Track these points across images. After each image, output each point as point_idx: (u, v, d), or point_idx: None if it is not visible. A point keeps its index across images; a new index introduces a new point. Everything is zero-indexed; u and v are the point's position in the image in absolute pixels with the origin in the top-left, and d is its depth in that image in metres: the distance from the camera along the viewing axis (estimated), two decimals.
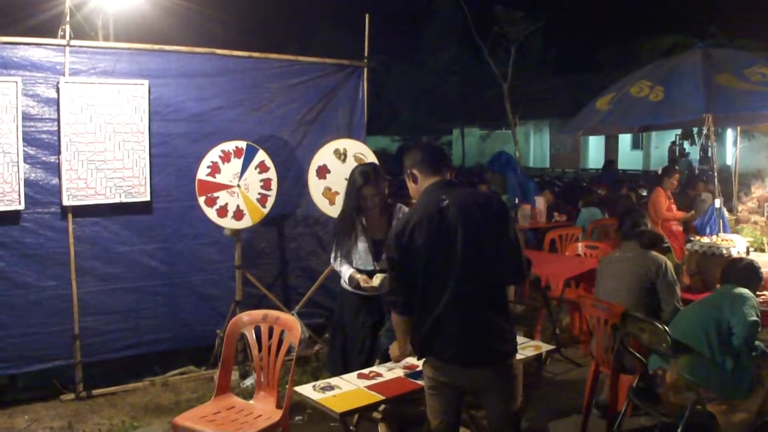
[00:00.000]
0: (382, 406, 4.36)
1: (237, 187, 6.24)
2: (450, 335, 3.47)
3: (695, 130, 16.07)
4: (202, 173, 6.12)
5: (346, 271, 5.11)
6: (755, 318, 4.34)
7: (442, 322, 3.46)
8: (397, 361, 4.35)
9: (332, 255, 5.23)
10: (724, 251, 6.58)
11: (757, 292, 5.91)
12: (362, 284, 4.96)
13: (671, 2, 26.06)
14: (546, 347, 4.86)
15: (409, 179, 3.76)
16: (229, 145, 6.25)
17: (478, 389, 3.61)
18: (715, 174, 7.98)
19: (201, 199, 6.10)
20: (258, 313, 4.77)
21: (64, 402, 5.87)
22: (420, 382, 4.13)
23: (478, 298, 3.49)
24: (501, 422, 3.60)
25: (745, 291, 4.54)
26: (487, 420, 3.70)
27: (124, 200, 6.16)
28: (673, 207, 9.56)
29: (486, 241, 3.50)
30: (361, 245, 5.10)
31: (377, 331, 5.17)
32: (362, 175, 5.04)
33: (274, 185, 6.45)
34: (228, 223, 6.23)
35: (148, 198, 6.27)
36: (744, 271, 4.76)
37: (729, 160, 19.65)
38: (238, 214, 6.25)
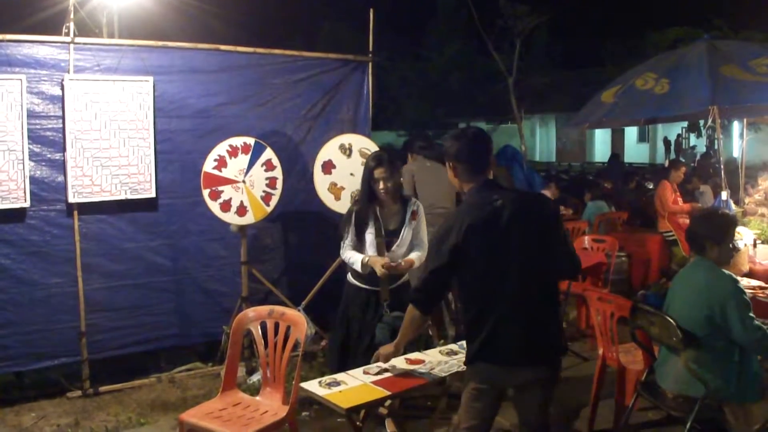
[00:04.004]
0: (389, 402, 4.35)
1: (242, 183, 6.23)
2: (512, 334, 3.47)
3: (702, 122, 16.03)
4: (209, 166, 6.10)
5: (356, 258, 5.00)
6: (757, 325, 4.01)
7: (505, 322, 3.47)
8: (386, 360, 4.20)
9: (341, 244, 5.17)
10: None
11: (753, 283, 5.91)
12: (379, 270, 4.85)
13: None
14: None
15: (450, 168, 3.71)
16: (238, 141, 6.24)
17: (526, 387, 3.61)
18: (722, 166, 7.95)
19: (205, 192, 6.09)
20: (264, 309, 4.76)
21: (71, 399, 5.89)
22: (426, 378, 4.12)
23: (538, 295, 3.52)
24: (537, 419, 3.65)
25: (727, 287, 4.07)
26: (523, 416, 3.70)
27: (130, 197, 6.16)
28: (679, 200, 9.55)
29: (541, 239, 3.53)
30: (371, 236, 5.03)
31: (373, 325, 5.04)
32: (375, 159, 5.06)
33: (279, 184, 6.44)
34: (230, 218, 6.22)
35: (153, 194, 6.27)
36: (717, 233, 4.24)
37: (736, 152, 19.57)
38: (241, 210, 6.24)
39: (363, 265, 4.95)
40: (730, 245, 4.31)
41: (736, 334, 4.02)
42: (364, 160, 6.45)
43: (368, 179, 5.01)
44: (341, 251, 5.17)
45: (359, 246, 5.09)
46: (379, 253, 4.98)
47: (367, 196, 5.04)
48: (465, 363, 3.71)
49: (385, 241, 5.01)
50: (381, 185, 4.96)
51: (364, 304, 5.10)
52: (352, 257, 5.04)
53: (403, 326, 3.92)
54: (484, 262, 3.46)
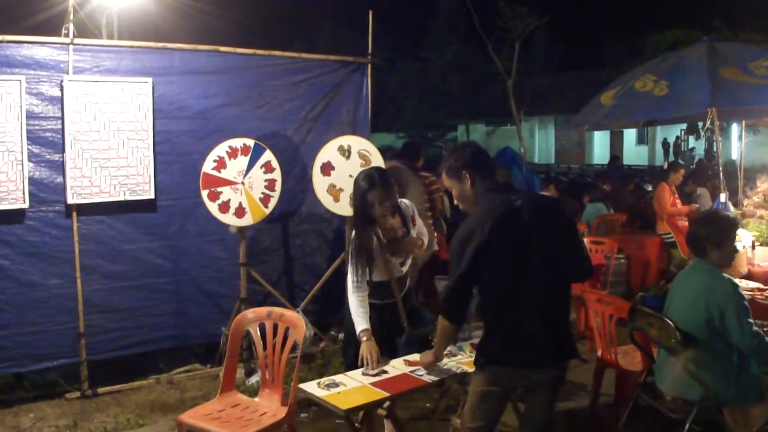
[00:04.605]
0: (387, 403, 4.34)
1: (241, 185, 6.24)
2: (528, 336, 3.49)
3: (701, 124, 16.07)
4: (208, 167, 6.12)
5: (357, 319, 4.46)
6: (755, 331, 4.01)
7: (522, 324, 3.48)
8: (429, 368, 4.18)
9: (348, 281, 4.54)
10: None
11: (752, 285, 5.90)
12: (363, 369, 4.28)
13: None
14: None
15: (465, 180, 3.66)
16: (237, 142, 6.25)
17: (535, 388, 3.64)
18: (721, 168, 7.94)
19: (204, 193, 6.10)
20: (263, 311, 4.75)
21: (70, 400, 5.88)
22: (425, 379, 4.12)
23: (554, 297, 3.55)
24: (543, 418, 3.68)
25: (726, 292, 4.05)
26: (528, 416, 3.72)
27: (129, 198, 6.15)
28: (678, 202, 9.56)
29: (559, 241, 3.54)
30: (378, 258, 4.56)
31: (392, 338, 4.67)
32: (366, 179, 4.44)
33: (278, 186, 6.44)
34: (229, 219, 6.22)
35: (152, 196, 6.27)
36: (718, 235, 4.24)
37: (734, 155, 19.58)
38: (240, 212, 6.24)
39: (357, 334, 4.42)
40: (731, 247, 4.32)
41: (734, 338, 4.02)
42: (363, 162, 6.48)
43: (362, 203, 4.45)
44: (348, 293, 4.55)
45: (364, 277, 4.55)
46: (388, 272, 4.62)
47: (363, 221, 4.51)
48: (475, 365, 3.71)
49: (392, 252, 4.63)
50: (378, 209, 4.43)
51: (377, 322, 4.57)
52: (355, 313, 4.50)
53: (437, 338, 3.91)
54: (505, 263, 3.46)
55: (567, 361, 3.69)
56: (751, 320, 4.01)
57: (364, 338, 4.35)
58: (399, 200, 4.69)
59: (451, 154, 3.80)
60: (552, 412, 3.70)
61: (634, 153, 36.02)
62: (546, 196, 3.74)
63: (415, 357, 4.38)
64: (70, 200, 5.90)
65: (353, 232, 4.62)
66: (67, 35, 5.90)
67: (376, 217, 4.47)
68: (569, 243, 3.59)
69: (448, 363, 4.32)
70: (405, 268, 4.76)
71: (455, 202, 3.84)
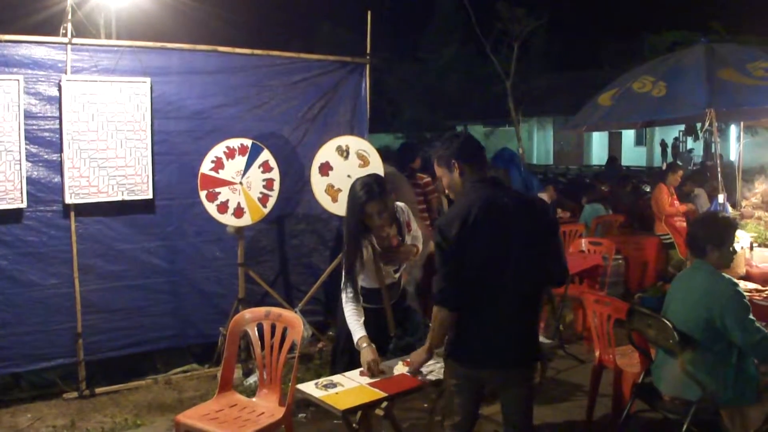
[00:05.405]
0: (385, 403, 4.34)
1: (239, 185, 6.23)
2: (498, 333, 3.50)
3: (699, 125, 16.06)
4: (206, 167, 6.11)
5: (353, 327, 4.39)
6: (757, 327, 4.03)
7: (493, 320, 3.48)
8: (417, 368, 4.11)
9: (342, 286, 4.50)
10: None
11: (750, 286, 5.90)
12: (365, 369, 4.20)
13: None
14: (549, 343, 4.84)
15: (454, 169, 3.68)
16: (235, 142, 6.24)
17: (504, 386, 3.64)
18: (719, 169, 7.94)
19: (202, 194, 6.09)
20: (260, 311, 4.75)
21: (67, 400, 5.87)
22: (423, 379, 4.11)
23: (529, 298, 3.55)
24: (520, 419, 3.66)
25: (727, 291, 4.07)
26: (506, 416, 3.71)
27: (127, 198, 6.15)
28: (676, 203, 9.57)
29: (539, 242, 3.53)
30: (370, 266, 4.54)
31: (380, 345, 4.54)
32: (364, 189, 4.34)
33: (276, 185, 6.44)
34: (228, 219, 6.22)
35: (150, 196, 6.26)
36: (718, 236, 4.27)
37: (733, 156, 19.58)
38: (239, 212, 6.24)
39: (356, 343, 4.36)
40: (731, 248, 4.33)
41: (736, 338, 4.02)
42: (362, 162, 6.48)
43: (359, 214, 4.37)
44: (343, 302, 4.50)
45: (356, 285, 4.50)
46: (380, 280, 4.60)
47: (358, 230, 4.41)
48: (444, 359, 3.73)
49: (387, 261, 4.60)
50: (377, 221, 4.39)
51: (370, 328, 4.47)
52: (351, 321, 4.42)
53: (432, 330, 3.77)
54: (482, 255, 3.45)
55: (532, 363, 3.67)
56: (752, 317, 4.02)
57: (364, 344, 4.29)
58: (396, 206, 4.64)
59: (443, 143, 3.81)
60: (530, 411, 3.69)
61: (632, 154, 36.00)
62: (533, 196, 3.77)
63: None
64: (68, 200, 5.89)
65: (344, 243, 4.53)
66: (65, 35, 5.89)
67: (372, 228, 4.45)
68: (549, 246, 3.59)
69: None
70: (398, 275, 4.75)
71: (446, 191, 3.85)
